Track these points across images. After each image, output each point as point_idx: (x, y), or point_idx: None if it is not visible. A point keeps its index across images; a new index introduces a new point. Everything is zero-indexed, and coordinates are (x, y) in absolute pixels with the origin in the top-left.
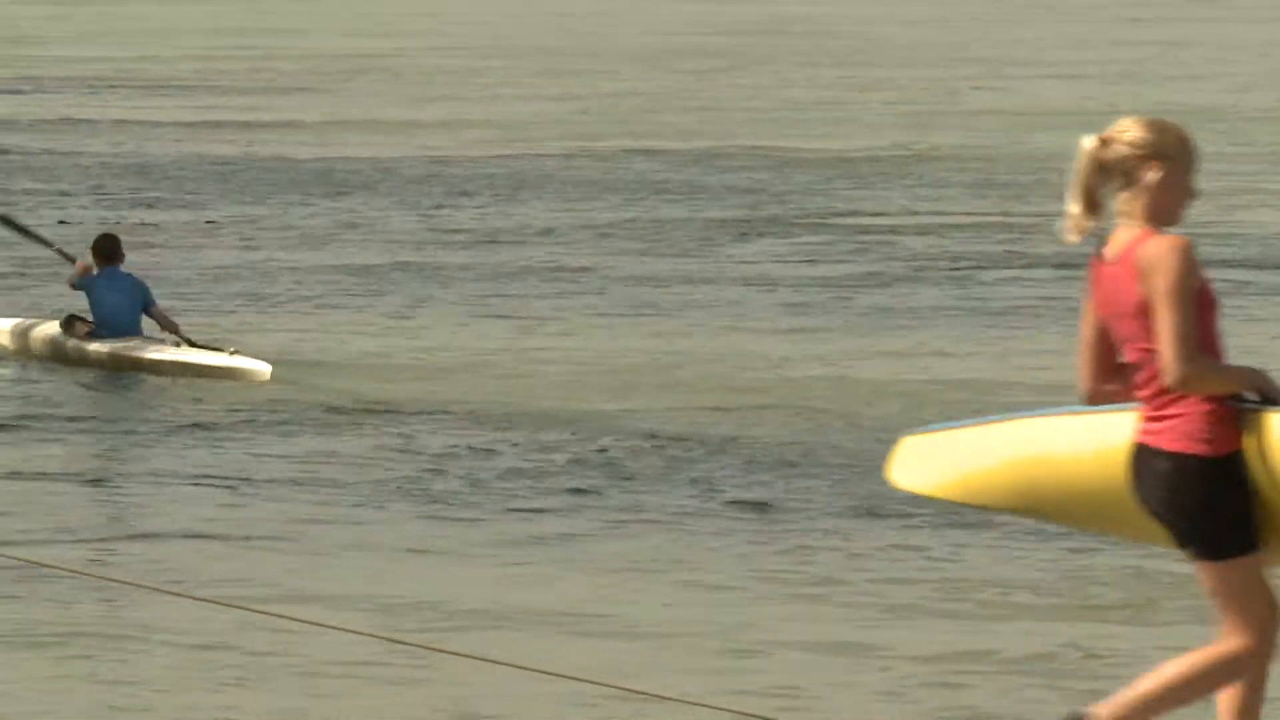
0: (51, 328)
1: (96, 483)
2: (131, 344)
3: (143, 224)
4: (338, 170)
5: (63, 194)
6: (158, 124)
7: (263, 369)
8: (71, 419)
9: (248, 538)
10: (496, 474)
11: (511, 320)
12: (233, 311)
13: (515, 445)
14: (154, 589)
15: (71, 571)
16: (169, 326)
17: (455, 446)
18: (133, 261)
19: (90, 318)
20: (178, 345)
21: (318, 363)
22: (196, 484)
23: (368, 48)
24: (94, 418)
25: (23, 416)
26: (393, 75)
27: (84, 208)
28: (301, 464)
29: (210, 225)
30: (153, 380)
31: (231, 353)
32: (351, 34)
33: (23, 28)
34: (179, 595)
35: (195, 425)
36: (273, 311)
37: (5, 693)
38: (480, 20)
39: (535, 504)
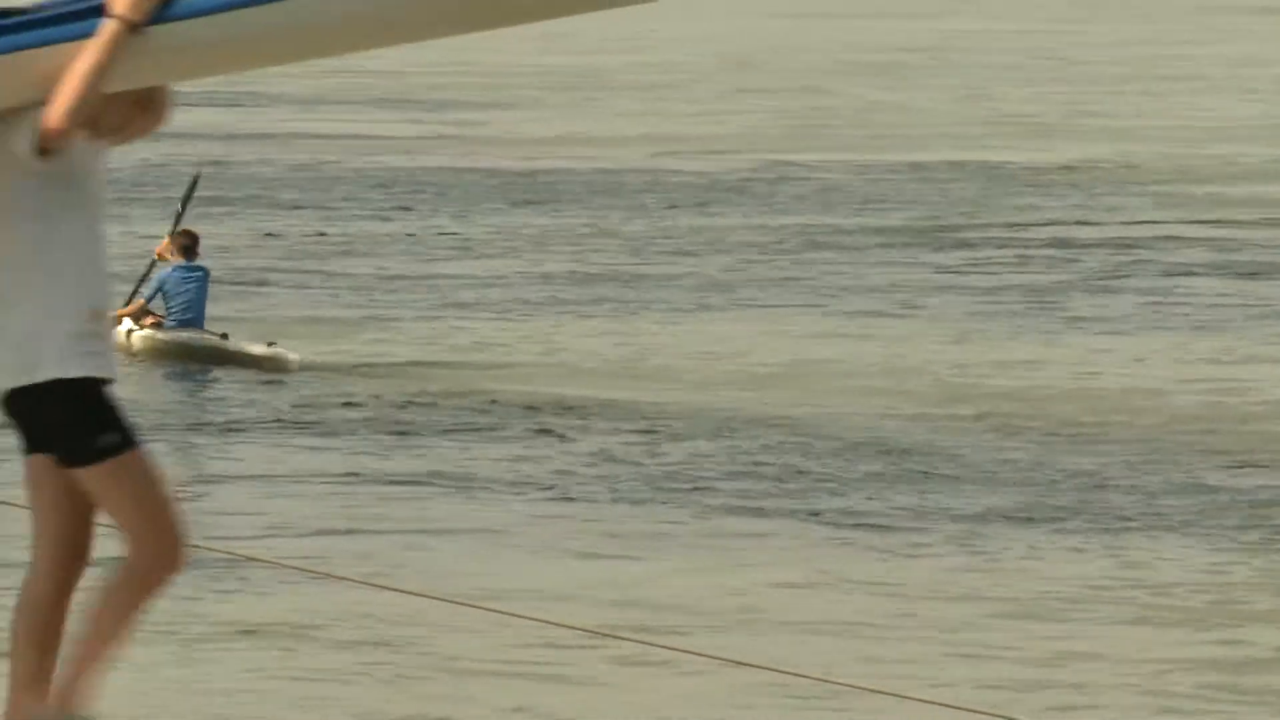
0: (126, 321)
1: (307, 480)
2: (192, 335)
3: (358, 234)
4: (546, 182)
5: (280, 206)
6: (374, 138)
7: (293, 357)
8: (258, 420)
9: (455, 533)
10: (708, 475)
11: (717, 326)
12: (446, 317)
13: (721, 448)
14: (366, 584)
15: (289, 566)
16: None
17: (665, 448)
18: (345, 270)
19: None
20: (224, 337)
21: (534, 365)
22: (413, 483)
23: (570, 65)
24: (309, 421)
25: (216, 423)
26: (595, 91)
27: (299, 221)
28: (511, 464)
29: (426, 236)
30: (333, 380)
31: (269, 344)
32: (555, 52)
33: None
34: (394, 590)
35: (399, 425)
36: (483, 317)
37: (209, 680)
38: (676, 39)
39: (747, 504)
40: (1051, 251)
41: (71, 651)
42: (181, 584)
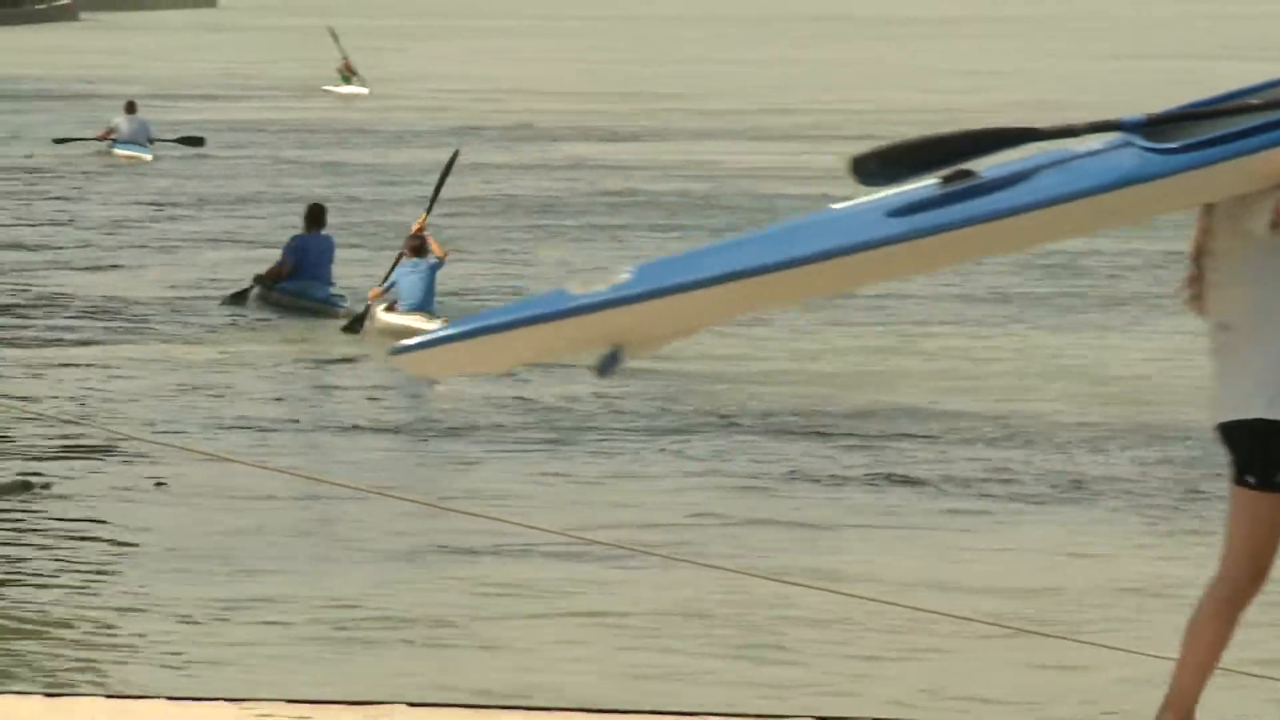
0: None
1: (688, 474)
2: (419, 319)
3: None
4: None
5: (680, 228)
6: (799, 168)
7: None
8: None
9: (852, 528)
10: (1077, 476)
11: (1095, 339)
12: (829, 334)
13: (1084, 453)
14: (755, 575)
15: (659, 556)
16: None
17: (1033, 452)
18: None
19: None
20: (429, 318)
21: (915, 376)
22: (791, 476)
23: (941, 103)
24: (692, 425)
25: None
26: (933, 126)
27: (693, 241)
28: (892, 465)
29: None
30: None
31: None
32: (932, 91)
33: (661, 84)
34: (796, 584)
35: (774, 425)
36: (871, 331)
37: (592, 665)
38: (1034, 76)
39: (1120, 504)
40: None
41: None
42: (573, 574)
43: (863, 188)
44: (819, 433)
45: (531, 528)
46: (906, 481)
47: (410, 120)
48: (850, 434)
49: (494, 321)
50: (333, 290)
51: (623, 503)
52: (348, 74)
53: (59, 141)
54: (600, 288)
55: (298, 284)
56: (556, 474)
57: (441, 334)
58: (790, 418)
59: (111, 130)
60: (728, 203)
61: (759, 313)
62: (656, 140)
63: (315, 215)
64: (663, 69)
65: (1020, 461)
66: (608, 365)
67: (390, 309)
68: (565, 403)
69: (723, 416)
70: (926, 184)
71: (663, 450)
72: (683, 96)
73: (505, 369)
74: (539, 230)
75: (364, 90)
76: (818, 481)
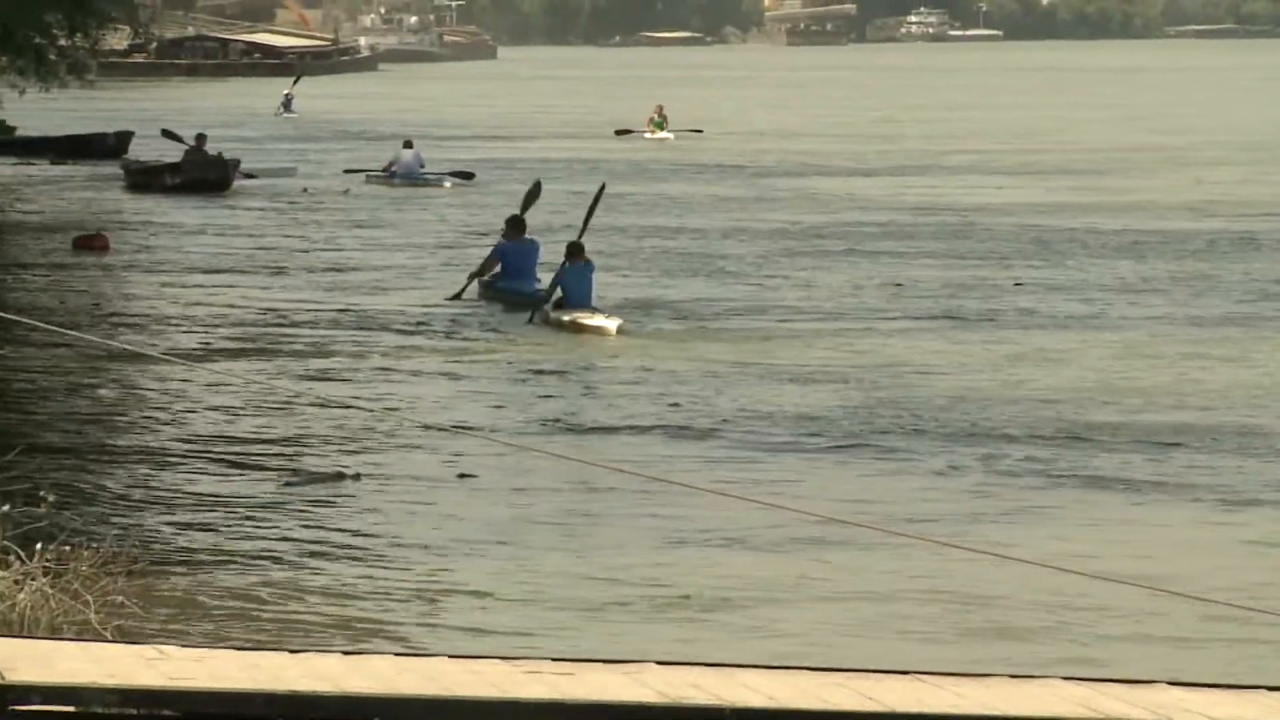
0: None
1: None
2: (583, 314)
3: (981, 280)
4: (1130, 239)
5: (917, 255)
6: (1007, 202)
7: (611, 325)
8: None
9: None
10: None
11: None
12: (1009, 346)
13: None
14: (984, 553)
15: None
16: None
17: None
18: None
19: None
20: (592, 313)
21: (1156, 393)
22: (1039, 475)
23: (1158, 142)
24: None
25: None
26: (1165, 164)
27: (927, 268)
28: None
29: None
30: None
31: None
32: (1141, 131)
33: (916, 128)
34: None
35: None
36: (1095, 351)
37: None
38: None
39: None
40: None
41: None
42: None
43: None
44: (1071, 437)
45: (780, 508)
46: (1129, 481)
47: (689, 159)
48: (1085, 439)
49: None
50: (539, 287)
51: (875, 494)
52: (661, 120)
53: (349, 172)
54: None
55: (510, 283)
56: (808, 466)
57: None
58: (1038, 427)
59: (392, 163)
60: (964, 233)
61: None
62: (907, 176)
63: (516, 224)
64: (919, 114)
65: (1241, 466)
66: None
67: (559, 307)
68: (832, 409)
69: (981, 424)
70: None
71: (916, 451)
72: (935, 138)
73: None
74: (799, 255)
75: (670, 135)
76: (1051, 476)
